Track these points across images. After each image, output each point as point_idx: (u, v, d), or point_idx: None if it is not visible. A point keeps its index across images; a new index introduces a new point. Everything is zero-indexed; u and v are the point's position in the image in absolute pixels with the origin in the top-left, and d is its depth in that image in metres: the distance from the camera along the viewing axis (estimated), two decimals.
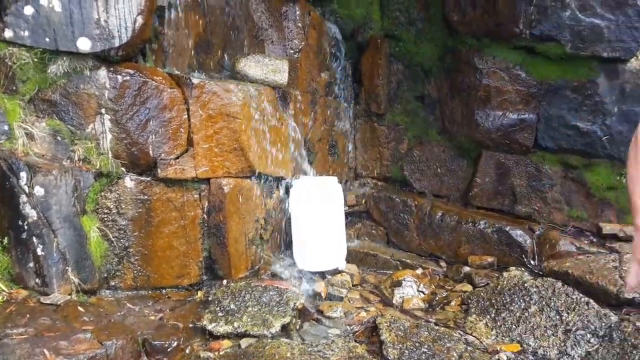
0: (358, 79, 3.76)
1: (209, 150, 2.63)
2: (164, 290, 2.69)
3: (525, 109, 3.20)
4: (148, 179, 2.57)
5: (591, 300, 2.62)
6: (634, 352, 2.28)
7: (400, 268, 3.31)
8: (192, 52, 2.77)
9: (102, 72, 2.41)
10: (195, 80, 2.56)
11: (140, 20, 2.37)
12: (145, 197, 2.57)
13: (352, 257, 3.40)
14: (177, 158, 2.57)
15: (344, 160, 3.75)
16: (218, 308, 2.47)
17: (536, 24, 2.98)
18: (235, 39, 2.98)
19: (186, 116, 2.55)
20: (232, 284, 2.72)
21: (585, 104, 3.08)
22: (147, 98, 2.47)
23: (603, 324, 2.47)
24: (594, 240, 3.19)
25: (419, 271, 3.24)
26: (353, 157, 3.85)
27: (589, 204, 3.22)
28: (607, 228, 3.16)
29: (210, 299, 2.59)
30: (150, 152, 2.53)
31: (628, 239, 3.07)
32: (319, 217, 2.99)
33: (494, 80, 3.20)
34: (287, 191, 3.08)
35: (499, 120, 3.24)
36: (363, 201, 3.72)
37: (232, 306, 2.50)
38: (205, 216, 2.70)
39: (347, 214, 3.52)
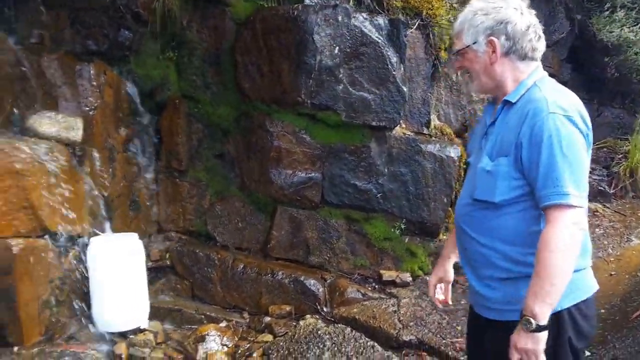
0: (158, 136, 4.68)
1: None
2: None
3: (312, 169, 4.43)
4: None
5: (376, 344, 3.56)
6: None
7: (205, 322, 4.10)
8: None
9: None
10: None
11: None
12: None
13: (156, 313, 4.11)
14: None
15: (146, 216, 4.58)
16: None
17: (315, 95, 4.24)
18: (26, 95, 3.67)
19: None
20: (23, 351, 3.21)
21: (361, 165, 4.42)
22: None
23: None
24: (376, 286, 4.40)
25: (223, 324, 4.07)
26: (156, 212, 4.69)
27: (370, 253, 4.51)
28: (386, 275, 4.41)
29: None
30: None
31: (404, 285, 4.38)
32: (117, 276, 3.70)
33: (284, 143, 4.39)
34: (84, 250, 3.74)
35: (290, 178, 4.41)
36: (167, 256, 4.55)
37: None
38: None
39: (150, 269, 4.26)
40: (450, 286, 2.39)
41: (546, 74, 2.00)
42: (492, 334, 1.98)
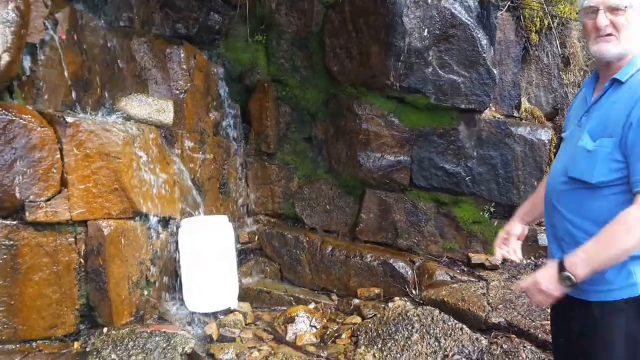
0: (247, 119, 3.77)
1: (86, 191, 2.46)
2: (34, 343, 2.39)
3: (401, 152, 3.41)
4: (14, 222, 2.32)
5: (464, 326, 2.77)
6: None
7: (293, 304, 3.28)
8: (68, 90, 2.60)
9: None
10: (69, 119, 2.40)
11: (6, 57, 2.20)
12: (11, 242, 2.31)
13: (246, 294, 3.32)
14: (49, 200, 2.36)
15: (235, 198, 3.70)
16: (97, 359, 2.26)
17: (404, 77, 3.23)
18: (116, 78, 2.88)
19: (59, 156, 2.38)
20: (113, 332, 2.52)
21: (450, 148, 3.37)
22: (13, 137, 2.27)
23: (475, 348, 2.62)
24: (465, 269, 3.40)
25: (312, 306, 3.24)
26: (245, 195, 3.81)
27: (459, 236, 3.47)
28: (475, 258, 3.41)
29: (88, 349, 2.37)
30: (17, 195, 2.29)
31: (493, 268, 3.37)
32: (208, 257, 2.88)
33: (372, 126, 3.39)
34: (175, 231, 2.94)
35: (379, 162, 3.41)
36: (256, 238, 3.68)
37: (114, 356, 2.32)
38: (82, 260, 2.48)
39: (240, 251, 3.45)
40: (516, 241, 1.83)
41: None
42: (576, 312, 1.56)
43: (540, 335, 2.66)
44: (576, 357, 1.58)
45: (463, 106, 3.29)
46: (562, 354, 1.72)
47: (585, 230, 1.50)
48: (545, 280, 1.45)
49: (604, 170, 1.43)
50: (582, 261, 1.40)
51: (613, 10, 1.45)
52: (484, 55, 3.26)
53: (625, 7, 1.43)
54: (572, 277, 1.40)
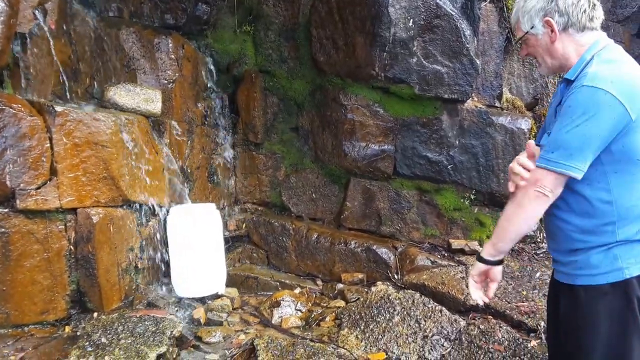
0: (235, 109, 3.78)
1: (75, 180, 2.48)
2: (26, 328, 2.44)
3: (385, 141, 3.45)
4: (5, 210, 2.35)
5: (444, 308, 2.83)
6: (479, 352, 2.53)
7: (280, 289, 3.33)
8: (58, 80, 2.60)
9: None
10: (58, 108, 2.42)
11: None
12: (2, 229, 2.34)
13: (234, 280, 3.36)
14: (39, 188, 2.39)
15: (224, 187, 3.73)
16: (87, 343, 2.30)
17: (389, 68, 3.25)
18: (105, 68, 2.87)
19: (48, 145, 2.40)
20: (103, 317, 2.56)
21: (433, 138, 3.41)
22: (3, 126, 2.29)
23: (454, 329, 2.69)
24: (445, 254, 3.48)
25: (297, 290, 3.30)
26: (233, 184, 3.84)
27: (440, 223, 3.54)
28: (455, 244, 3.48)
29: (78, 333, 2.40)
30: (8, 183, 2.32)
31: (472, 253, 3.43)
32: (196, 244, 2.93)
33: (357, 116, 3.42)
34: (164, 219, 2.98)
35: (364, 151, 3.45)
36: (244, 226, 3.72)
37: (103, 340, 2.35)
38: (72, 247, 2.52)
39: (228, 239, 3.48)
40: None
41: (610, 42, 1.52)
42: (563, 296, 1.59)
43: (515, 316, 2.74)
44: (564, 338, 1.61)
45: (446, 96, 3.33)
46: (552, 335, 1.77)
47: (571, 223, 1.53)
48: (473, 269, 1.63)
49: None
50: (489, 242, 1.55)
51: (521, 42, 1.59)
52: (468, 45, 3.29)
53: (524, 35, 1.56)
54: (484, 257, 1.56)
